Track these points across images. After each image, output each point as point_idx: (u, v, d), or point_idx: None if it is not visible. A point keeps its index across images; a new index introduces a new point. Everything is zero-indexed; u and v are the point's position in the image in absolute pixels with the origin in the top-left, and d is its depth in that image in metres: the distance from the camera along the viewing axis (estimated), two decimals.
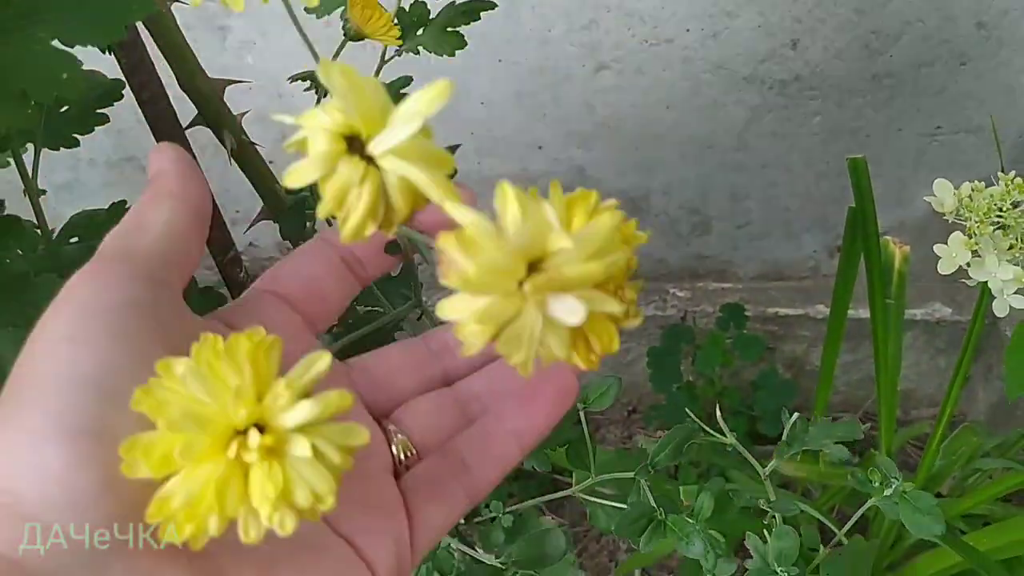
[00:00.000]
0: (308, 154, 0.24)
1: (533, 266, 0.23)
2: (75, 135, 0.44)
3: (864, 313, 0.93)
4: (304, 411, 0.23)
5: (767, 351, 1.17)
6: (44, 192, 0.45)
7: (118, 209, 0.49)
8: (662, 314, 1.14)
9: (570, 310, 0.22)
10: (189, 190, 0.29)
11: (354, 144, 0.24)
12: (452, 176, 0.25)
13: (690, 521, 0.49)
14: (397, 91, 0.66)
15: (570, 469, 0.60)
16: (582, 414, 0.56)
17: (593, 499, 0.57)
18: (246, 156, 0.47)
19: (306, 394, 0.23)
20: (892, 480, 0.46)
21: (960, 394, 0.83)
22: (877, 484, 0.47)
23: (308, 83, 0.62)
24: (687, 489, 0.57)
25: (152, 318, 0.26)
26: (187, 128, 0.47)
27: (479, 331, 0.23)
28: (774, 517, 0.50)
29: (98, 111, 0.45)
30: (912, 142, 1.01)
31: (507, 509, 0.63)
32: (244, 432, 0.22)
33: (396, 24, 0.56)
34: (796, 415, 0.50)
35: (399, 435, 0.33)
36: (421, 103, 0.23)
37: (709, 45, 0.92)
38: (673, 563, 1.07)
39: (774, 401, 1.08)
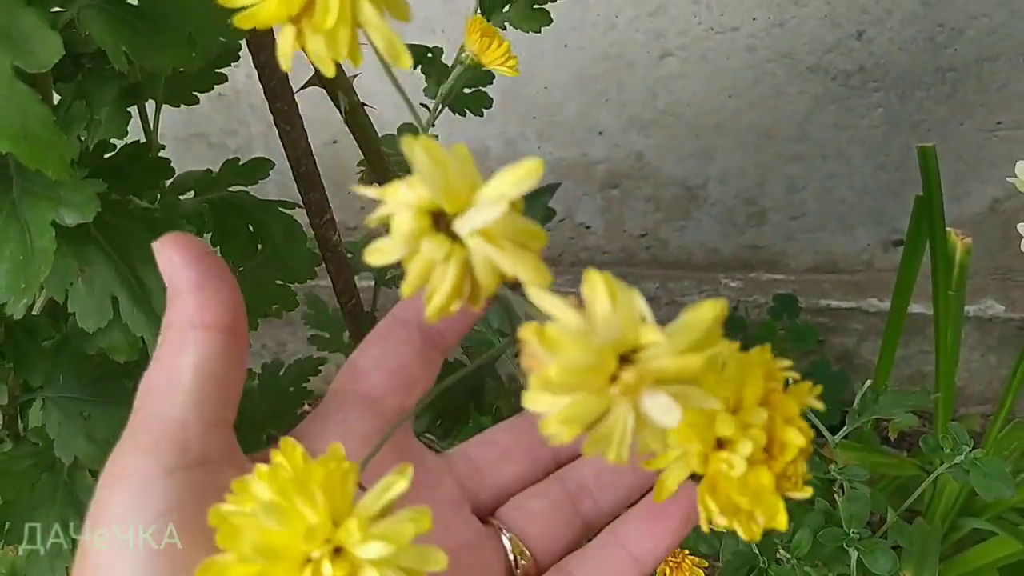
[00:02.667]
0: (392, 231, 0.23)
1: (624, 357, 0.21)
2: (196, 93, 0.46)
3: (917, 308, 0.94)
4: (376, 550, 0.22)
5: (818, 344, 1.18)
6: (164, 147, 0.47)
7: (232, 166, 0.51)
8: None
9: (664, 409, 0.21)
10: (213, 309, 0.26)
11: (439, 220, 0.23)
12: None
13: (791, 564, 0.49)
14: (477, 72, 0.67)
15: None
16: None
17: None
18: (357, 118, 0.49)
19: (383, 515, 0.23)
20: (962, 447, 0.47)
21: (1020, 391, 0.83)
22: (948, 451, 0.48)
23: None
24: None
25: (193, 517, 0.25)
26: (300, 89, 0.49)
27: (565, 431, 0.21)
28: (842, 486, 0.51)
29: (216, 70, 0.47)
30: (972, 137, 1.01)
31: None
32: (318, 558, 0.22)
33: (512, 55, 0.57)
34: (868, 382, 0.51)
35: (509, 535, 0.31)
36: (508, 184, 0.22)
37: (775, 34, 0.93)
38: None
39: (826, 393, 1.08)
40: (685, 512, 0.30)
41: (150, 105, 0.49)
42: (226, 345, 0.26)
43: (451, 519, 0.30)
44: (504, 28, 0.61)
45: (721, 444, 0.24)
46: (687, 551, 0.57)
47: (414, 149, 0.22)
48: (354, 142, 0.54)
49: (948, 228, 0.86)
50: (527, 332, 0.21)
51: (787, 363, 0.26)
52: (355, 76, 0.55)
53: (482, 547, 0.31)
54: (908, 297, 0.85)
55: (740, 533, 0.25)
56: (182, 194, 0.47)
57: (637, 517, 0.31)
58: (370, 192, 0.23)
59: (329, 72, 0.23)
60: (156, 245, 0.27)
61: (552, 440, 0.22)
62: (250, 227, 0.48)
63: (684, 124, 1.02)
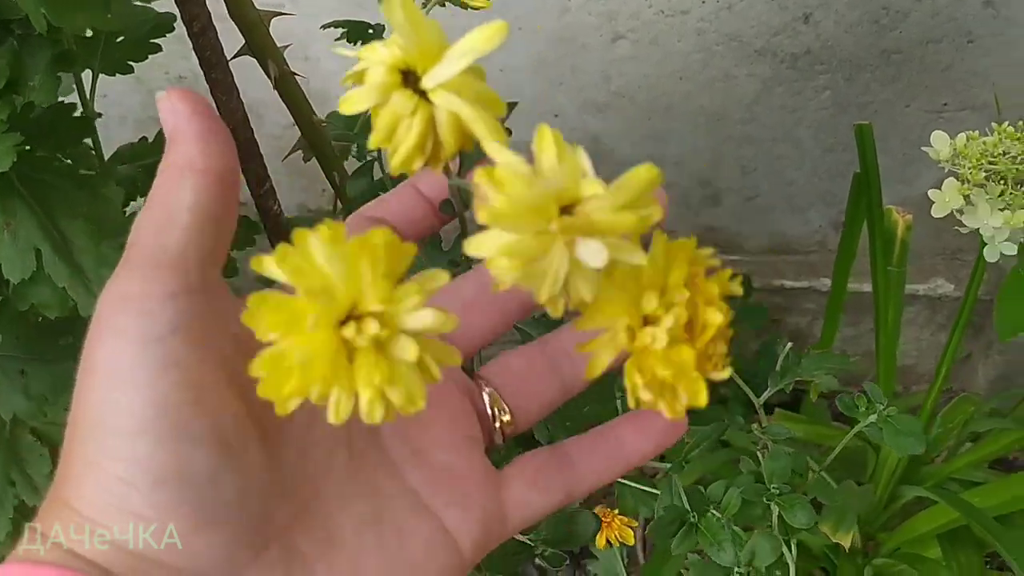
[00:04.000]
0: (365, 83, 0.25)
1: (566, 210, 0.23)
2: (129, 62, 0.47)
3: (867, 287, 0.96)
4: (427, 318, 0.23)
5: (772, 323, 1.20)
6: (100, 115, 0.48)
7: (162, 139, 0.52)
8: None
9: (594, 253, 0.23)
10: (213, 156, 0.27)
11: (409, 79, 0.25)
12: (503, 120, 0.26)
13: (721, 522, 0.50)
14: None
15: None
16: (618, 402, 0.57)
17: (624, 481, 0.59)
18: (287, 86, 0.51)
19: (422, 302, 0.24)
20: (877, 405, 0.49)
21: (954, 361, 0.86)
22: (863, 409, 0.50)
23: (339, 40, 0.65)
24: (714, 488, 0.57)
25: (199, 336, 0.26)
26: (233, 58, 0.51)
27: (506, 266, 0.23)
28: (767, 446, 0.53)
29: (151, 41, 0.48)
30: (918, 118, 1.03)
31: None
32: (357, 318, 0.23)
33: None
34: (789, 345, 0.53)
35: (489, 389, 0.33)
36: (475, 41, 0.24)
37: (723, 17, 0.95)
38: None
39: None
40: (670, 422, 0.31)
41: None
42: (222, 189, 0.27)
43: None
44: (443, 5, 0.62)
45: (647, 322, 0.26)
46: (617, 511, 0.59)
47: (393, 7, 0.24)
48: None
49: (890, 206, 0.89)
50: (479, 175, 0.23)
51: (710, 251, 0.28)
52: (286, 46, 0.57)
53: (455, 388, 0.32)
54: (847, 274, 0.88)
55: (665, 411, 0.27)
56: (119, 164, 0.48)
57: (631, 421, 0.33)
58: (347, 52, 0.26)
59: None
60: (162, 95, 0.28)
61: (497, 280, 0.24)
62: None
63: (637, 107, 1.04)
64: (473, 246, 0.23)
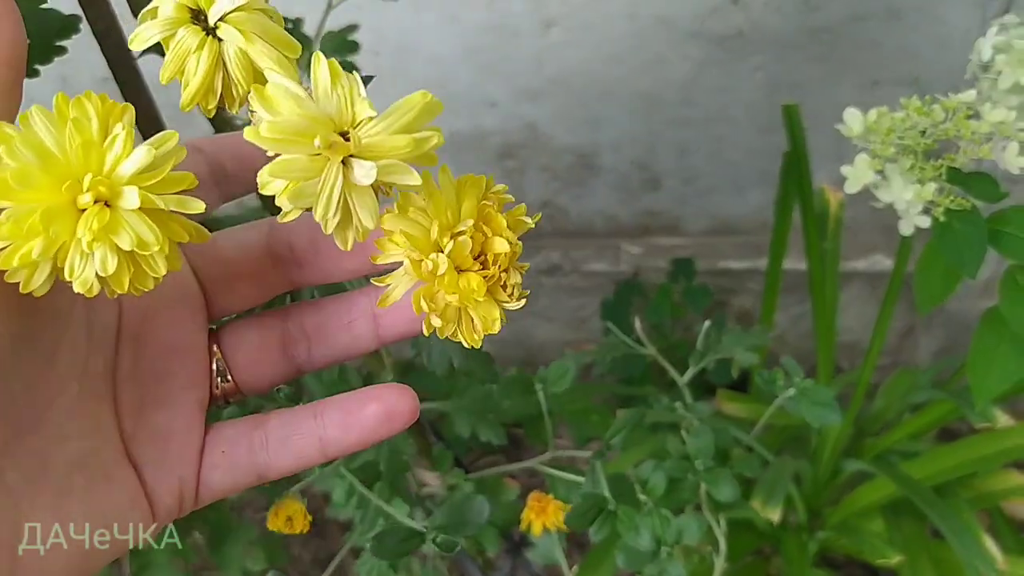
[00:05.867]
0: (155, 19, 0.25)
1: (344, 136, 0.24)
2: (36, 66, 0.46)
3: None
4: (139, 157, 0.23)
5: (718, 305, 1.21)
6: None
7: None
8: (615, 269, 1.17)
9: (365, 172, 0.24)
10: (2, 37, 0.26)
11: (199, 17, 0.25)
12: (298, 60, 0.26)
13: (643, 505, 0.50)
14: (344, 40, 0.68)
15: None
16: (541, 394, 0.57)
17: (553, 471, 0.59)
18: None
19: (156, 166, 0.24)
20: (795, 380, 0.50)
21: (890, 335, 0.87)
22: (780, 383, 0.50)
23: None
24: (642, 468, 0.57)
25: None
26: (141, 55, 0.50)
27: (279, 187, 0.24)
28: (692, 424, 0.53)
29: (57, 44, 0.47)
30: (851, 96, 1.04)
31: (470, 476, 0.66)
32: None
33: None
34: (708, 322, 0.53)
35: (218, 354, 0.33)
36: None
37: (652, 1, 0.95)
38: None
39: None
40: (381, 413, 0.31)
41: None
42: (9, 78, 0.26)
43: (193, 316, 0.32)
44: None
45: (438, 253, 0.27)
46: (551, 495, 0.59)
47: None
48: None
49: (823, 185, 0.89)
50: (252, 93, 0.24)
51: (502, 187, 0.28)
52: None
53: (200, 349, 0.32)
54: (783, 254, 0.88)
55: (463, 339, 0.28)
56: None
57: (339, 407, 0.31)
58: None
59: None
60: None
61: (281, 213, 0.24)
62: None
63: (573, 93, 1.04)
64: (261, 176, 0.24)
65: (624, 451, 0.69)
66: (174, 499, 0.30)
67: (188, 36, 0.25)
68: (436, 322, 0.27)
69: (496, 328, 0.27)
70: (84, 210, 0.23)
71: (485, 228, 0.27)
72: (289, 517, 0.50)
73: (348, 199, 0.25)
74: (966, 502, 0.84)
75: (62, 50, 0.52)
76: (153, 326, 0.31)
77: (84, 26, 0.54)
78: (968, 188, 0.52)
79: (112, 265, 0.23)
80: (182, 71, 0.26)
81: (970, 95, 0.55)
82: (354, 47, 0.68)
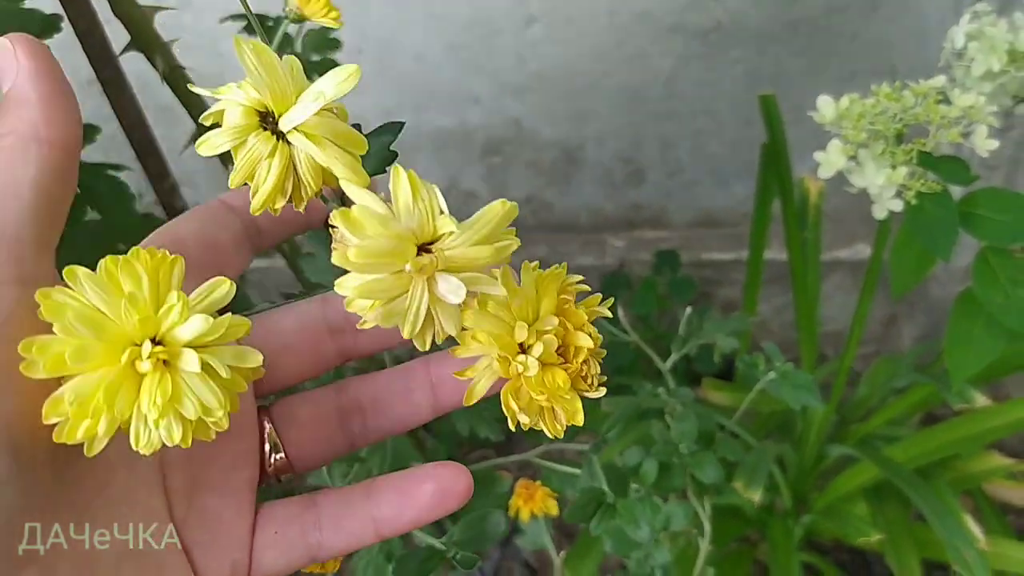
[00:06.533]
0: (222, 126, 0.25)
1: (424, 248, 0.24)
2: None
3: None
4: (196, 325, 0.23)
5: (703, 296, 1.22)
6: None
7: None
8: (600, 263, 1.19)
9: (453, 290, 0.24)
10: (60, 123, 0.25)
11: (267, 119, 0.25)
12: (365, 154, 0.26)
13: (640, 495, 0.51)
14: (325, 37, 0.69)
15: None
16: None
17: (548, 463, 0.60)
18: (177, 80, 0.51)
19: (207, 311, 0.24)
20: (775, 364, 0.51)
21: (871, 323, 0.88)
22: (762, 367, 0.51)
23: (241, 34, 0.65)
24: (630, 453, 0.58)
25: (18, 332, 0.23)
26: (121, 54, 0.50)
27: (366, 307, 0.24)
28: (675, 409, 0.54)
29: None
30: (831, 87, 1.05)
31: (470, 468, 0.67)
32: (140, 345, 0.23)
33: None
34: (689, 309, 0.55)
35: (269, 427, 0.32)
36: (329, 85, 0.25)
37: None
38: None
39: None
40: (436, 493, 0.30)
41: None
42: (65, 165, 0.26)
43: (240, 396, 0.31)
44: (298, 22, 0.62)
45: (522, 350, 0.27)
46: (541, 480, 0.60)
47: (244, 52, 0.24)
48: None
49: (804, 175, 0.90)
50: (335, 217, 0.24)
51: (578, 278, 0.29)
52: (173, 40, 0.57)
53: (253, 432, 0.31)
54: (763, 244, 0.89)
55: (546, 430, 0.28)
56: None
57: (393, 487, 0.31)
58: (203, 91, 0.26)
59: None
60: (4, 42, 0.25)
61: (361, 322, 0.24)
62: (79, 190, 0.49)
63: (556, 88, 1.05)
64: (338, 285, 0.24)
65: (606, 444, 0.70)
66: None
67: (259, 144, 0.25)
68: (524, 419, 0.27)
69: (579, 420, 0.28)
70: (144, 374, 0.23)
71: (566, 322, 0.28)
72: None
73: (432, 310, 0.25)
74: (948, 484, 0.85)
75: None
76: None
77: (67, 27, 0.55)
78: (939, 171, 0.53)
79: (178, 434, 0.23)
80: (252, 175, 0.25)
81: (939, 80, 0.56)
82: (336, 44, 0.69)
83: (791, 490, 0.92)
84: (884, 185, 0.54)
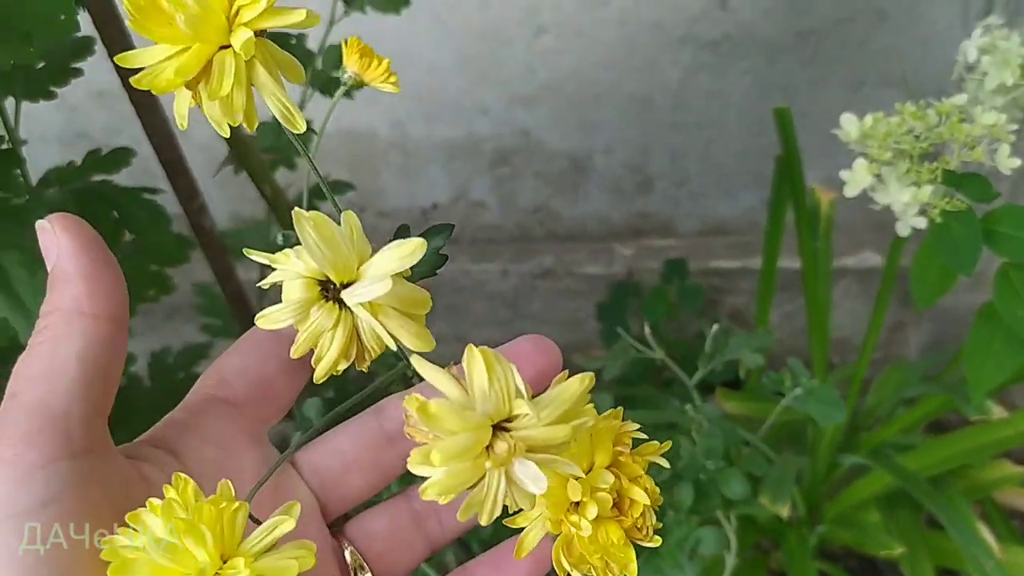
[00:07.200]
0: (283, 297, 0.25)
1: (499, 426, 0.23)
2: (52, 88, 0.47)
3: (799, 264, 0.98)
4: None
5: (710, 304, 1.22)
6: (26, 142, 0.48)
7: (94, 157, 0.52)
8: (608, 272, 1.19)
9: (533, 478, 0.23)
10: (103, 299, 0.26)
11: (328, 288, 0.25)
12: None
13: (675, 523, 0.51)
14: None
15: None
16: None
17: None
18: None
19: (268, 550, 0.24)
20: (802, 380, 0.51)
21: (883, 331, 0.88)
22: (788, 384, 0.52)
23: None
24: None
25: (75, 507, 0.24)
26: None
27: (443, 497, 0.23)
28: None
29: (73, 66, 0.48)
30: (839, 96, 1.06)
31: None
32: None
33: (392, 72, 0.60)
34: (716, 325, 0.55)
35: (350, 548, 0.32)
36: (393, 261, 0.24)
37: (643, 6, 0.97)
38: None
39: None
40: (533, 565, 0.30)
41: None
42: (112, 335, 0.26)
43: (306, 528, 0.31)
44: (364, 12, 0.63)
45: (576, 505, 0.27)
46: None
47: (303, 225, 0.23)
48: None
49: (814, 185, 0.91)
50: (410, 404, 0.23)
51: (634, 426, 0.28)
52: None
53: (330, 558, 0.31)
54: (776, 254, 0.90)
55: None
56: (48, 189, 0.48)
57: (487, 564, 0.31)
58: (260, 257, 0.25)
59: (224, 132, 0.25)
60: (44, 224, 0.26)
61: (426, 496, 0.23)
62: (115, 213, 0.49)
63: (565, 99, 1.05)
64: (415, 462, 0.23)
65: None
66: None
67: (323, 317, 0.24)
68: (575, 575, 0.27)
69: (633, 572, 0.27)
70: None
71: (620, 474, 0.27)
72: None
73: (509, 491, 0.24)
74: (960, 492, 0.86)
75: (78, 72, 0.54)
76: None
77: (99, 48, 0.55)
78: (963, 189, 0.54)
79: None
80: (314, 345, 0.25)
81: (961, 99, 0.57)
82: None
83: (804, 499, 0.92)
84: (909, 203, 0.54)
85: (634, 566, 0.27)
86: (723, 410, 0.93)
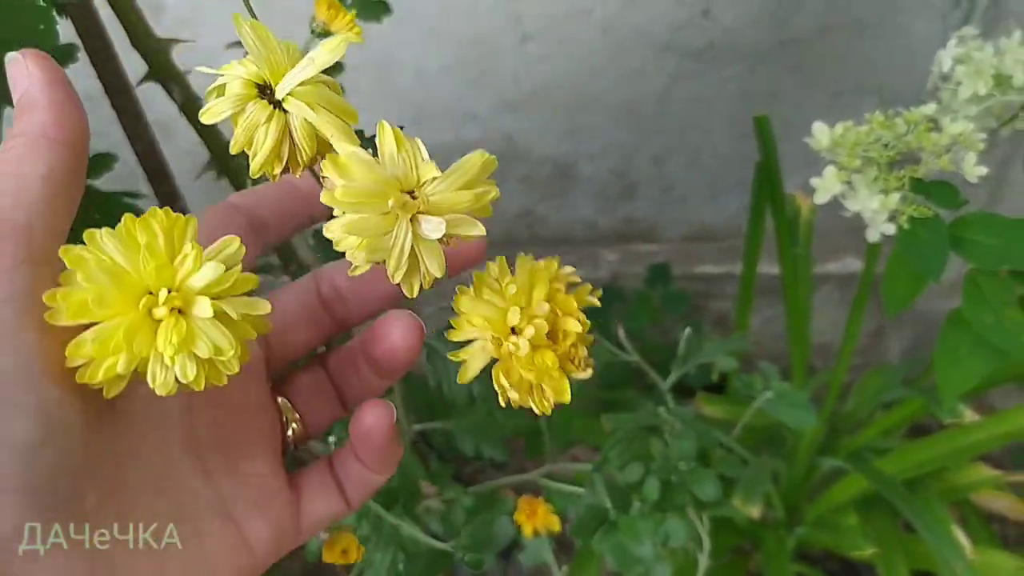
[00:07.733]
0: (224, 95, 0.27)
1: (411, 195, 0.26)
2: None
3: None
4: (209, 273, 0.25)
5: (695, 309, 1.24)
6: None
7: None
8: (593, 276, 1.20)
9: (434, 227, 0.26)
10: (68, 127, 0.27)
11: (265, 91, 0.27)
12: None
13: (642, 512, 0.53)
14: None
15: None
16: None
17: (552, 483, 0.62)
18: (193, 109, 0.52)
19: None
20: (772, 383, 0.52)
21: (861, 336, 0.90)
22: (759, 387, 0.53)
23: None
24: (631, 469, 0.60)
25: (36, 308, 0.25)
26: (139, 84, 0.52)
27: (353, 243, 0.26)
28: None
29: None
30: (821, 104, 1.08)
31: (470, 490, 0.68)
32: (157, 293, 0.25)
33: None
34: (688, 329, 0.56)
35: (282, 399, 0.35)
36: (318, 54, 0.27)
37: (627, 14, 0.98)
38: None
39: None
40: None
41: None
42: (74, 162, 0.28)
43: (254, 380, 0.34)
44: (322, 36, 0.64)
45: (514, 333, 0.29)
46: (543, 498, 0.61)
47: (243, 28, 0.26)
48: None
49: (794, 191, 0.92)
50: (325, 164, 0.26)
51: (570, 269, 0.31)
52: (188, 71, 0.58)
53: (268, 404, 0.34)
54: (756, 260, 0.91)
55: (534, 407, 0.30)
56: None
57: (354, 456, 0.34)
58: (207, 70, 0.28)
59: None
60: (15, 56, 0.28)
61: (352, 262, 0.26)
62: (97, 216, 0.50)
63: (552, 105, 1.06)
64: (326, 229, 0.26)
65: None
66: (274, 542, 0.32)
67: (257, 111, 0.27)
68: (514, 396, 0.29)
69: (567, 398, 0.30)
70: (160, 320, 0.25)
71: (556, 308, 0.29)
72: (344, 549, 0.53)
73: (416, 251, 0.27)
74: (937, 495, 0.87)
75: None
76: (223, 393, 0.31)
77: (83, 55, 0.56)
78: (930, 197, 0.55)
79: (192, 372, 0.25)
80: (250, 142, 0.27)
81: (930, 108, 0.58)
82: (338, 67, 0.70)
83: (783, 501, 0.93)
84: (877, 210, 0.55)
85: (568, 395, 0.30)
86: (704, 414, 0.94)
